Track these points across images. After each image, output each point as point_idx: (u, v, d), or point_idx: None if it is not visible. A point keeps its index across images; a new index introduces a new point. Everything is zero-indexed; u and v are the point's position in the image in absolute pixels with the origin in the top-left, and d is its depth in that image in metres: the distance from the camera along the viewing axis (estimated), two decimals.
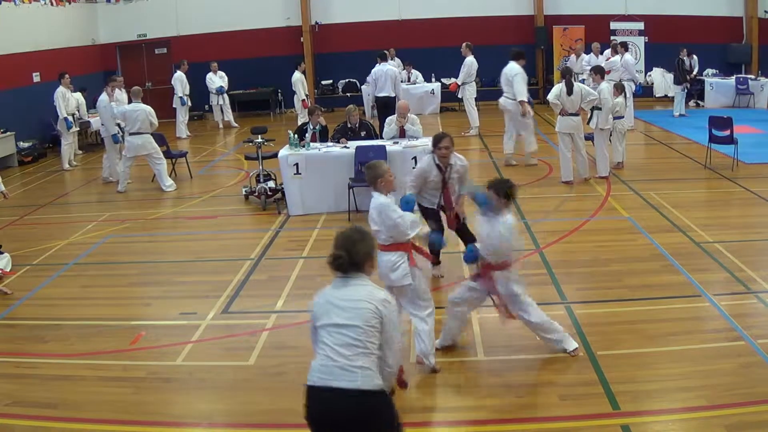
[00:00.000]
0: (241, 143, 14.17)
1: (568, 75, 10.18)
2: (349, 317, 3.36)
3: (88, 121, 14.99)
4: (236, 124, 17.86)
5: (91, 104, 14.60)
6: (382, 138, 10.00)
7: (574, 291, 6.54)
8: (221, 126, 17.88)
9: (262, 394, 5.07)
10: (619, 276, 6.86)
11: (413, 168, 8.70)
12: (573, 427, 4.47)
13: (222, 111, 17.87)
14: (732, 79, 17.34)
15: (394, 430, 3.43)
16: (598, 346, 5.39)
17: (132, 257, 8.34)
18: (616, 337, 5.57)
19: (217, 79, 17.70)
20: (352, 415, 3.26)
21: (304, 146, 9.62)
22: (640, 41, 18.49)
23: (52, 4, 16.32)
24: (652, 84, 18.65)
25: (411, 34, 18.81)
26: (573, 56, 15.86)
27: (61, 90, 13.30)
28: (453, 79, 15.90)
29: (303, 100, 15.63)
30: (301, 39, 19.19)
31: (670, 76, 18.03)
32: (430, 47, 18.53)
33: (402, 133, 9.76)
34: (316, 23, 19.37)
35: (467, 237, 6.53)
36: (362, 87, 17.71)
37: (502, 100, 11.78)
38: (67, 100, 13.43)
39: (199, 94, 17.82)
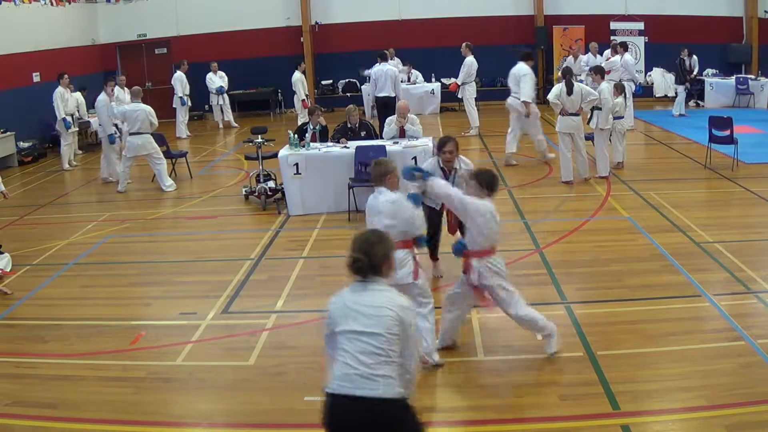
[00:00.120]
0: (241, 143, 14.17)
1: (568, 75, 10.19)
2: (371, 324, 3.29)
3: (88, 121, 15.00)
4: (236, 124, 17.86)
5: (91, 104, 14.57)
6: (382, 138, 10.00)
7: (574, 291, 6.54)
8: (221, 126, 17.87)
9: (262, 394, 5.07)
10: (619, 276, 6.86)
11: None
12: (573, 427, 4.47)
13: (222, 111, 17.86)
14: (732, 79, 17.33)
15: None
16: (598, 346, 5.39)
17: (132, 257, 8.34)
18: (616, 337, 5.57)
19: (217, 79, 17.70)
20: (373, 423, 3.23)
21: (304, 146, 9.62)
22: (640, 41, 18.49)
23: (52, 4, 16.31)
24: (652, 84, 18.64)
25: (411, 34, 18.80)
26: (571, 57, 15.84)
27: (59, 90, 13.30)
28: (453, 79, 15.89)
29: (303, 100, 15.63)
30: (301, 39, 19.18)
31: (670, 76, 18.06)
32: (430, 47, 18.52)
33: (402, 133, 9.76)
34: (316, 23, 19.37)
35: None
36: (362, 87, 17.72)
37: (510, 99, 11.81)
38: (66, 101, 13.42)
39: (199, 94, 17.81)
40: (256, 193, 10.04)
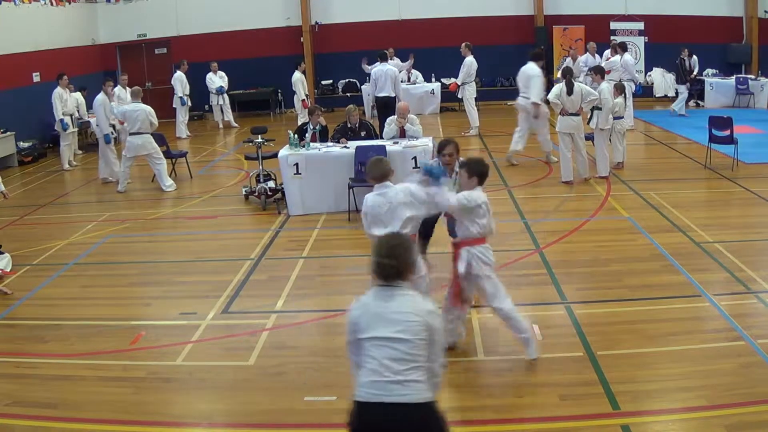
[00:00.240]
0: (241, 143, 14.17)
1: (568, 75, 10.19)
2: (398, 330, 3.27)
3: (88, 121, 14.98)
4: (236, 124, 17.86)
5: (91, 104, 14.58)
6: (382, 138, 10.00)
7: (574, 291, 6.53)
8: (221, 126, 17.87)
9: (262, 394, 5.07)
10: (619, 276, 6.86)
11: (413, 168, 8.75)
12: (573, 427, 4.47)
13: (222, 111, 17.86)
14: (732, 79, 17.33)
15: None
16: (598, 346, 5.39)
17: (132, 257, 8.34)
18: (616, 337, 5.57)
19: (217, 79, 17.70)
20: (404, 428, 3.22)
21: (304, 146, 9.62)
22: (640, 41, 18.48)
23: (52, 4, 16.31)
24: (652, 84, 18.64)
25: (411, 34, 18.79)
26: (569, 58, 15.82)
27: (58, 91, 13.30)
28: (453, 79, 15.89)
29: (303, 100, 15.62)
30: (301, 39, 19.18)
31: (670, 76, 18.06)
32: (430, 47, 18.51)
33: (402, 133, 9.77)
34: (316, 23, 19.37)
35: None
36: (362, 87, 17.72)
37: (519, 100, 11.77)
38: (65, 101, 13.43)
39: (199, 94, 17.81)
40: (256, 193, 10.04)
